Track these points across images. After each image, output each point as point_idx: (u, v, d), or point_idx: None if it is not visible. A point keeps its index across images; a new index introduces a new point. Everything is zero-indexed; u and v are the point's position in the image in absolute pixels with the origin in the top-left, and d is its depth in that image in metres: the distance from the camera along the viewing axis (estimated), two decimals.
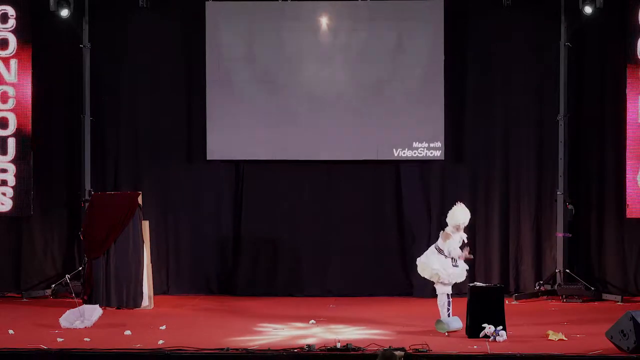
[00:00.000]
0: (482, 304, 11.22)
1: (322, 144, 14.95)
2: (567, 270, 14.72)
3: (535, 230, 15.10)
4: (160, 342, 10.72)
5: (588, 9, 14.19)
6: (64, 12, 14.48)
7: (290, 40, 14.94)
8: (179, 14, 15.25)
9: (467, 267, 12.06)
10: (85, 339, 10.93)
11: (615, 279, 14.83)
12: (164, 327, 11.87)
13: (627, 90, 14.26)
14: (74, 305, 12.28)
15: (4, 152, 14.61)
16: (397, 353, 8.02)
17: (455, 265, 11.92)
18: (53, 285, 14.77)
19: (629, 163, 14.26)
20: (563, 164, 14.86)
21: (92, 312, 12.13)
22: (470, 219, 15.01)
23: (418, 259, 12.15)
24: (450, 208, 15.05)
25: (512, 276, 15.03)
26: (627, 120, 14.29)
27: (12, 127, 14.61)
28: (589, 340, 10.90)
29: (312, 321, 12.36)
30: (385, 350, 7.78)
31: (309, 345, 10.38)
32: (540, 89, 15.07)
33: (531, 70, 15.04)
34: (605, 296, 14.48)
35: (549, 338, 11.05)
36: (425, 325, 11.87)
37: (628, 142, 14.25)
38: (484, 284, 12.20)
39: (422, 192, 15.19)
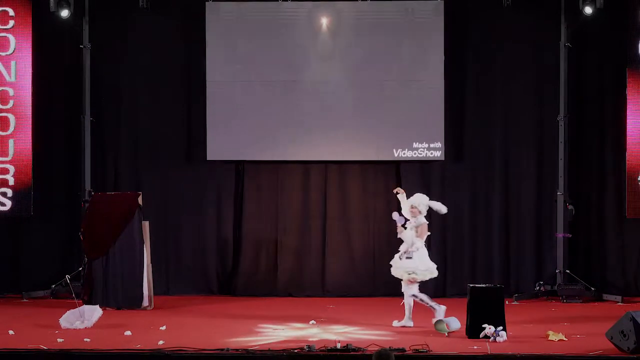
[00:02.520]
0: (482, 304, 11.20)
1: (322, 145, 14.96)
2: (567, 271, 14.74)
3: (535, 231, 15.12)
4: (160, 342, 10.71)
5: (588, 9, 14.20)
6: (64, 13, 14.50)
7: (290, 41, 14.95)
8: (179, 14, 15.27)
9: (414, 265, 12.00)
10: (85, 340, 10.92)
11: (616, 280, 14.85)
12: (164, 328, 11.86)
13: (627, 91, 14.28)
14: (74, 306, 12.26)
15: (4, 153, 14.61)
16: (393, 353, 8.01)
17: (409, 257, 12.03)
18: (53, 286, 14.77)
19: (629, 163, 14.26)
20: (563, 164, 14.87)
21: (92, 313, 12.11)
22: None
23: None
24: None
25: (512, 276, 15.05)
26: (627, 120, 14.30)
27: (12, 128, 14.61)
28: (589, 341, 10.89)
29: (312, 321, 12.36)
30: (380, 350, 7.77)
31: (309, 346, 10.37)
32: (540, 89, 15.08)
33: (531, 70, 15.06)
34: (605, 296, 14.48)
35: (549, 338, 11.04)
36: (425, 326, 11.86)
37: (628, 142, 14.26)
38: (484, 285, 12.19)
39: (422, 193, 15.13)
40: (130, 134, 15.38)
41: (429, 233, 12.33)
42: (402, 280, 12.15)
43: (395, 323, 12.12)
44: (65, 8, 14.48)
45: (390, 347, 10.27)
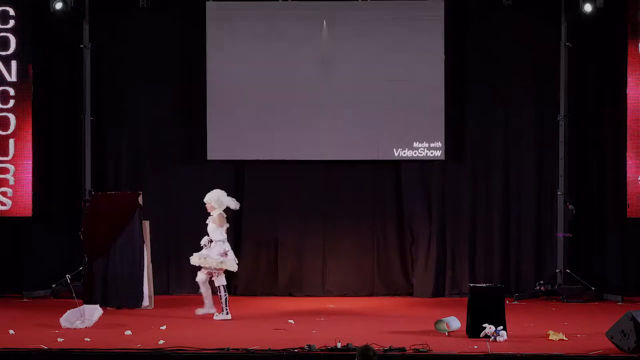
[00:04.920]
0: (482, 303, 11.20)
1: (323, 144, 14.95)
2: (568, 270, 14.74)
3: (535, 230, 15.12)
4: (160, 342, 10.71)
5: (588, 7, 14.18)
6: (58, 5, 14.43)
7: (290, 40, 14.94)
8: (179, 14, 15.27)
9: (207, 253, 12.73)
10: (86, 339, 10.92)
11: (616, 279, 14.85)
12: (164, 327, 11.87)
13: (628, 91, 14.28)
14: (74, 305, 12.26)
15: (4, 152, 14.61)
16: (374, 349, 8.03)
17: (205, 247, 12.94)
18: (53, 285, 14.77)
19: (629, 163, 14.27)
20: (563, 164, 14.87)
21: (92, 312, 12.12)
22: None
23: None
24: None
25: (513, 276, 15.05)
26: (627, 120, 14.31)
27: (12, 127, 14.62)
28: (589, 340, 10.90)
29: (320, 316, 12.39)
30: (363, 347, 7.79)
31: (309, 345, 10.37)
32: (540, 89, 15.08)
33: (531, 70, 15.06)
34: (605, 296, 14.49)
35: (550, 338, 11.04)
36: (425, 325, 11.85)
37: (628, 142, 14.27)
38: (484, 284, 12.18)
39: (422, 192, 15.20)
40: (130, 134, 15.38)
41: (227, 225, 12.92)
42: (201, 270, 12.83)
43: (198, 311, 12.83)
44: (63, 2, 14.45)
45: (390, 347, 10.29)
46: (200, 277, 12.85)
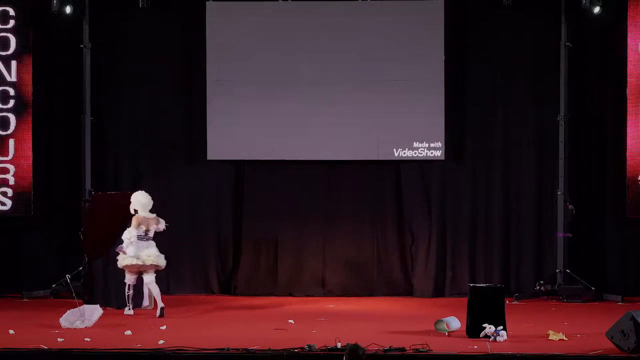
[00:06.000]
0: (482, 303, 11.20)
1: (323, 144, 14.96)
2: (568, 270, 14.73)
3: (535, 230, 15.11)
4: (160, 342, 10.71)
5: (596, 9, 14.17)
6: (67, 9, 14.49)
7: (290, 40, 14.95)
8: (179, 14, 15.28)
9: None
10: (86, 339, 10.92)
11: (616, 279, 14.85)
12: (164, 327, 11.87)
13: (627, 91, 14.28)
14: (74, 305, 12.26)
15: (4, 152, 14.62)
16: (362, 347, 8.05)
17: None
18: (53, 285, 14.77)
19: (629, 163, 14.27)
20: (563, 164, 14.87)
21: (92, 312, 12.11)
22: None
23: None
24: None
25: (513, 276, 15.05)
26: (627, 120, 14.31)
27: (12, 128, 14.63)
28: (589, 340, 10.89)
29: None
30: (353, 345, 7.79)
31: (309, 345, 10.37)
32: (540, 89, 15.08)
33: (531, 70, 15.06)
34: (605, 296, 14.48)
35: (550, 338, 11.04)
36: (425, 325, 11.85)
37: (628, 141, 14.27)
38: (484, 284, 12.16)
39: (422, 192, 15.20)
40: (130, 134, 15.38)
41: (144, 227, 13.06)
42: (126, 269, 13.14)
43: (127, 311, 13.16)
44: (68, 4, 14.49)
45: (390, 347, 10.29)
46: (129, 277, 13.22)
